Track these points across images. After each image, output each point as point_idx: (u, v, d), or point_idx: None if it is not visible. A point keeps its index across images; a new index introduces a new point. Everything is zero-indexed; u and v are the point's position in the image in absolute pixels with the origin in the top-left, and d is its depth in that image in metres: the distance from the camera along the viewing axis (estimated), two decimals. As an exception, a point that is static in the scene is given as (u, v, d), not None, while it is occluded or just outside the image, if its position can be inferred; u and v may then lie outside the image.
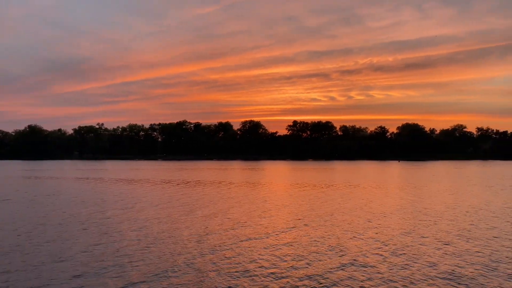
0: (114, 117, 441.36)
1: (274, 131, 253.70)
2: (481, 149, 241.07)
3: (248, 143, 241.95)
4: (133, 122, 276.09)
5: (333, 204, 32.77)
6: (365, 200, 35.20)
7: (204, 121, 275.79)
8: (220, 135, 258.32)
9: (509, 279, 13.64)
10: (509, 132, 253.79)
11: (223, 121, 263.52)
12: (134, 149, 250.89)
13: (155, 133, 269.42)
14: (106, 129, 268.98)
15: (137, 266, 15.09)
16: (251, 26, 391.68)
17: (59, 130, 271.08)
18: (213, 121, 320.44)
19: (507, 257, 16.37)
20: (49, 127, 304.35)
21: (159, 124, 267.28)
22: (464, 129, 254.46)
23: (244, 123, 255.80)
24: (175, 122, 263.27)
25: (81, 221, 24.53)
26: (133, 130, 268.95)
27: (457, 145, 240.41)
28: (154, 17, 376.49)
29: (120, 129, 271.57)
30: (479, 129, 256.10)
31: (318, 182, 56.08)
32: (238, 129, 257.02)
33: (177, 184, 52.53)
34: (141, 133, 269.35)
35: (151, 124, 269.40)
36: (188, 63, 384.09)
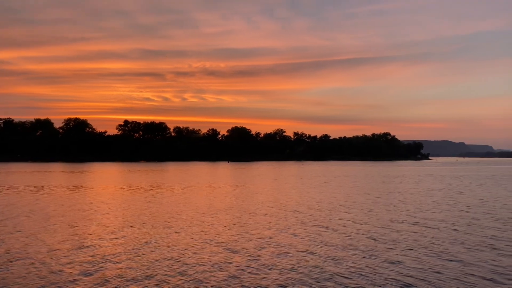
0: None
1: (103, 131, 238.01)
2: (296, 151, 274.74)
3: (72, 143, 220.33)
4: None
5: (168, 205, 32.83)
6: (198, 200, 36.34)
7: (17, 117, 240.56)
8: (37, 133, 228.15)
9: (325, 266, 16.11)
10: (318, 136, 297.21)
11: (42, 117, 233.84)
12: None
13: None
14: None
15: None
16: (77, 15, 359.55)
17: None
18: (29, 117, 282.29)
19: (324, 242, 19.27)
20: None
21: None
22: (284, 133, 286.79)
23: (67, 121, 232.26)
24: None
25: None
26: None
27: (277, 147, 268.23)
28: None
29: None
30: (295, 134, 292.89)
31: (151, 184, 55.19)
32: (60, 127, 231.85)
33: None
34: None
35: None
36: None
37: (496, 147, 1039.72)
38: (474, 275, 14.47)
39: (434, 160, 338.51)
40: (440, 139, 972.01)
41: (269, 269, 15.22)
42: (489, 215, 28.43)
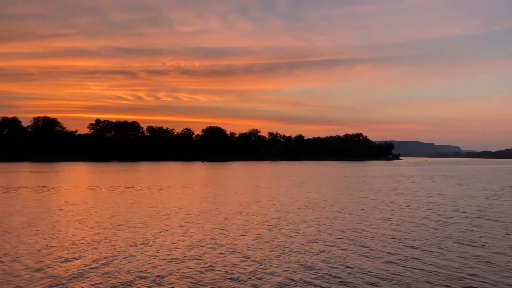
0: None
1: (74, 130, 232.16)
2: (271, 151, 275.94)
3: (41, 142, 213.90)
4: None
5: (146, 206, 32.55)
6: (176, 201, 36.18)
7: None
8: (4, 132, 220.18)
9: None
10: (293, 137, 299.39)
11: (9, 116, 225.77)
12: None
13: None
14: None
15: None
16: (47, 11, 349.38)
17: None
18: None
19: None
20: None
21: None
22: (259, 134, 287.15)
23: (36, 119, 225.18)
24: None
25: None
26: None
27: (252, 147, 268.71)
28: None
29: None
30: (270, 134, 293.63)
31: (126, 185, 54.39)
32: (28, 126, 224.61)
33: None
34: None
35: None
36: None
37: (464, 148, 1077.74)
38: (443, 267, 15.11)
39: (404, 160, 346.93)
40: (410, 140, 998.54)
41: (253, 265, 15.40)
42: (457, 213, 29.59)
